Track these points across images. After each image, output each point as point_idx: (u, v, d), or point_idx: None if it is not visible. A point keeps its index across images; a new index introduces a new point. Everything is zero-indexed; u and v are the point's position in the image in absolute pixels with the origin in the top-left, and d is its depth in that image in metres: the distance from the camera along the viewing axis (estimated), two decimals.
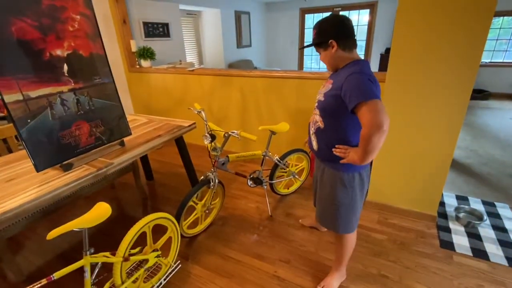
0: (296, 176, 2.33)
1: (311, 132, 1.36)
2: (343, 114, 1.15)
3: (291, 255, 1.79)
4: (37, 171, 1.38)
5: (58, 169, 1.51)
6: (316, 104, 1.30)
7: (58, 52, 1.45)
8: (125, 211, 2.33)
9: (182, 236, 1.84)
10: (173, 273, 1.68)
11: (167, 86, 3.35)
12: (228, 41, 5.70)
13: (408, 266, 1.68)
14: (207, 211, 1.95)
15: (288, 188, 2.43)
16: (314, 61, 7.39)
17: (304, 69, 7.38)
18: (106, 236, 2.00)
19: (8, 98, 1.27)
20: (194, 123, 2.20)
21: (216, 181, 1.84)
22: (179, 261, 1.74)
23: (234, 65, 5.75)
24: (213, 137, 1.74)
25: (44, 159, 1.41)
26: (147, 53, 3.31)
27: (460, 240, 1.86)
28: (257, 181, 2.10)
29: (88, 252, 1.20)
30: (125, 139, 1.85)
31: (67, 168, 1.50)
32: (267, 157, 2.09)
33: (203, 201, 1.91)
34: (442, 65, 1.63)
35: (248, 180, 2.09)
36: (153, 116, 2.41)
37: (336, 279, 1.55)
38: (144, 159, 2.67)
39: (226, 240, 1.93)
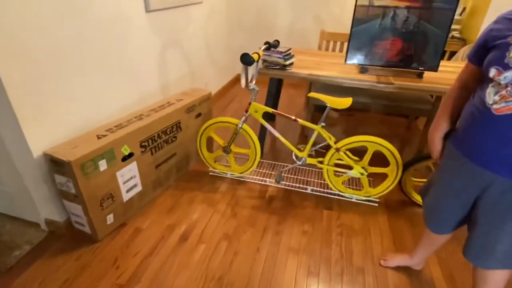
0: None
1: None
2: None
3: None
4: (345, 62, 1.84)
5: (357, 68, 1.87)
6: None
7: None
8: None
9: (402, 189, 1.71)
10: (365, 202, 1.73)
11: None
12: None
13: None
14: None
15: None
16: None
17: None
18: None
19: (360, 1, 1.68)
20: None
21: None
22: (378, 200, 1.72)
23: None
24: None
25: (355, 55, 1.80)
26: None
27: None
28: None
29: (321, 124, 1.60)
30: (427, 74, 1.76)
31: (363, 71, 1.82)
32: None
33: None
34: None
35: None
36: None
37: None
38: None
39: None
